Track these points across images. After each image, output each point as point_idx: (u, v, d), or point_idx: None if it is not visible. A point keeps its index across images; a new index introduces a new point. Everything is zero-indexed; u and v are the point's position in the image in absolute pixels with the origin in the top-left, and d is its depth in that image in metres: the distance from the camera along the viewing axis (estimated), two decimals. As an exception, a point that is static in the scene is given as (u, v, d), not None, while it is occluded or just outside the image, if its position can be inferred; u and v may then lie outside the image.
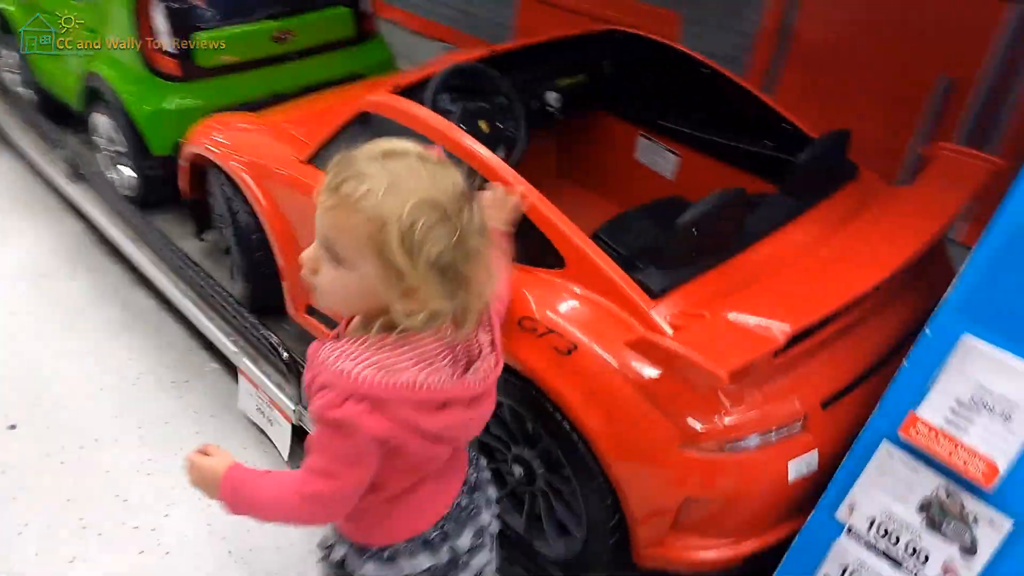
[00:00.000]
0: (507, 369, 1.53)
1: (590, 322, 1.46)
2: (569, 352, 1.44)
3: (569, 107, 2.26)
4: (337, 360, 0.98)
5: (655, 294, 1.45)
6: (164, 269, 2.58)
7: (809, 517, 1.41)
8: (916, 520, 1.29)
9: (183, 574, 1.91)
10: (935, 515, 1.28)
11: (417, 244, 0.94)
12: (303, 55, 2.91)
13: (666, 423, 1.38)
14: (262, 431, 2.26)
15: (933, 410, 1.29)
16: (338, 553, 1.21)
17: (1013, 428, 1.22)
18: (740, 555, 1.48)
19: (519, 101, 2.02)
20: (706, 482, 1.40)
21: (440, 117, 1.71)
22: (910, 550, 1.30)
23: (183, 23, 2.61)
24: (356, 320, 1.09)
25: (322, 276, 1.00)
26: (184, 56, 2.63)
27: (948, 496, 1.27)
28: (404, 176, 0.96)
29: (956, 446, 1.25)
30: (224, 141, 2.24)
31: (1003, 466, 1.21)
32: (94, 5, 2.76)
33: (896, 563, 1.30)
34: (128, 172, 2.89)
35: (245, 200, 2.18)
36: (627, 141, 2.40)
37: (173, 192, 2.79)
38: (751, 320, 1.32)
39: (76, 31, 2.86)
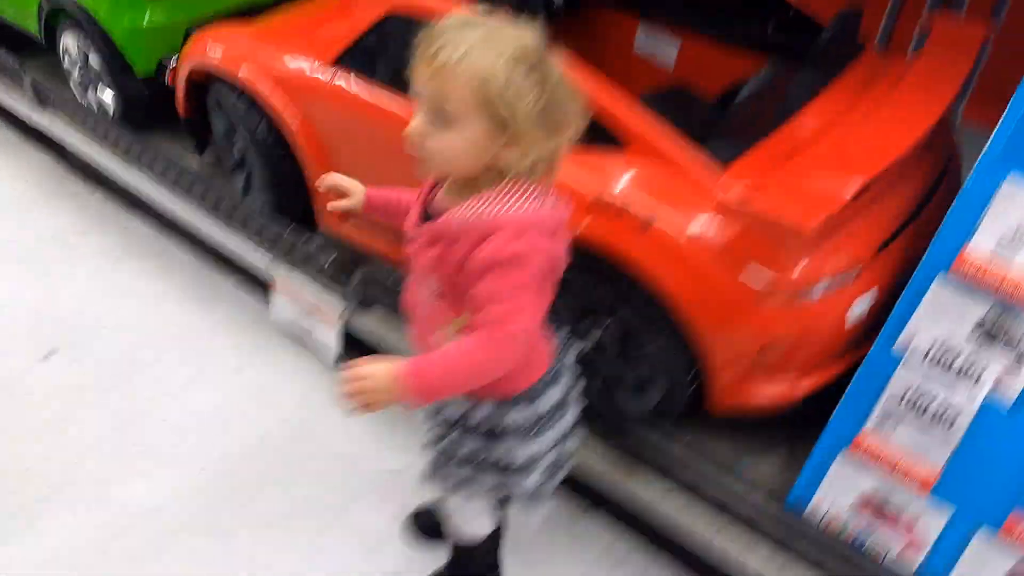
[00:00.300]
0: (578, 248, 1.64)
1: (663, 196, 1.57)
2: (647, 227, 1.56)
3: (570, 2, 2.31)
4: (494, 206, 1.10)
5: (721, 164, 1.57)
6: (168, 190, 2.52)
7: (868, 352, 1.59)
8: (968, 345, 1.49)
9: (249, 483, 1.98)
10: (985, 339, 1.48)
11: (516, 93, 1.05)
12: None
13: (743, 280, 1.52)
14: (299, 340, 2.31)
15: (982, 246, 1.46)
16: (479, 415, 1.31)
17: (1056, 254, 1.41)
18: (802, 393, 1.67)
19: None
20: (780, 329, 1.56)
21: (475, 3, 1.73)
22: (964, 372, 1.49)
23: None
24: (451, 186, 1.18)
25: (432, 142, 1.09)
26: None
27: (997, 320, 1.47)
28: (491, 36, 1.06)
29: (1004, 276, 1.44)
30: (232, 53, 2.19)
31: (1048, 284, 1.41)
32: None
33: (951, 385, 1.50)
34: (105, 95, 2.77)
35: (262, 112, 2.15)
36: (627, 34, 2.46)
37: (153, 112, 2.73)
38: (818, 179, 1.46)
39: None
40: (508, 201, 1.11)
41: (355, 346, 2.19)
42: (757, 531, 1.67)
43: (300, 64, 2.08)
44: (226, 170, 2.49)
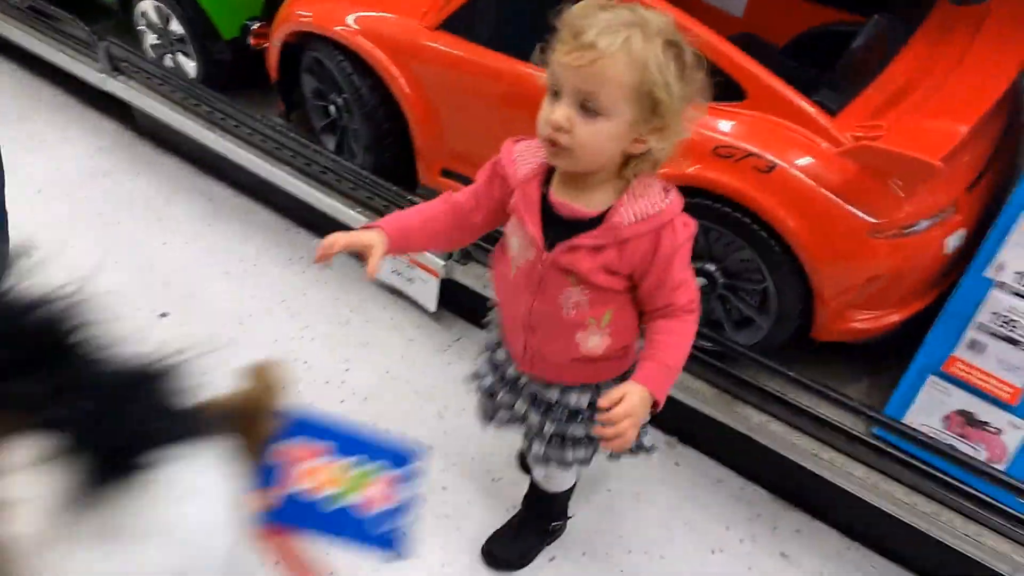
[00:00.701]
0: (698, 192, 1.79)
1: (782, 142, 1.72)
2: (769, 170, 1.71)
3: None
4: (654, 200, 1.17)
5: (833, 112, 1.72)
6: (255, 151, 2.63)
7: (961, 279, 1.76)
8: (1056, 268, 1.67)
9: (384, 414, 2.14)
10: (1073, 261, 1.66)
11: (672, 78, 1.07)
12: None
13: (856, 218, 1.69)
14: (398, 292, 2.45)
15: (1069, 179, 1.64)
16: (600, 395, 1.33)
17: None
18: (902, 319, 1.85)
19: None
20: (887, 261, 1.73)
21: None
22: (1052, 292, 1.68)
23: None
24: (566, 181, 1.20)
25: (578, 133, 1.09)
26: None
27: (1083, 245, 1.65)
28: (639, 21, 1.07)
29: (1091, 205, 1.61)
30: (327, 11, 2.28)
31: None
32: None
33: (1040, 305, 1.69)
34: (185, 60, 2.85)
35: (366, 74, 2.26)
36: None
37: (235, 76, 2.82)
38: (930, 122, 1.62)
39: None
40: (657, 192, 1.17)
41: (452, 296, 2.34)
42: (850, 454, 1.86)
43: (406, 25, 2.18)
44: (316, 131, 2.59)
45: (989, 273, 1.73)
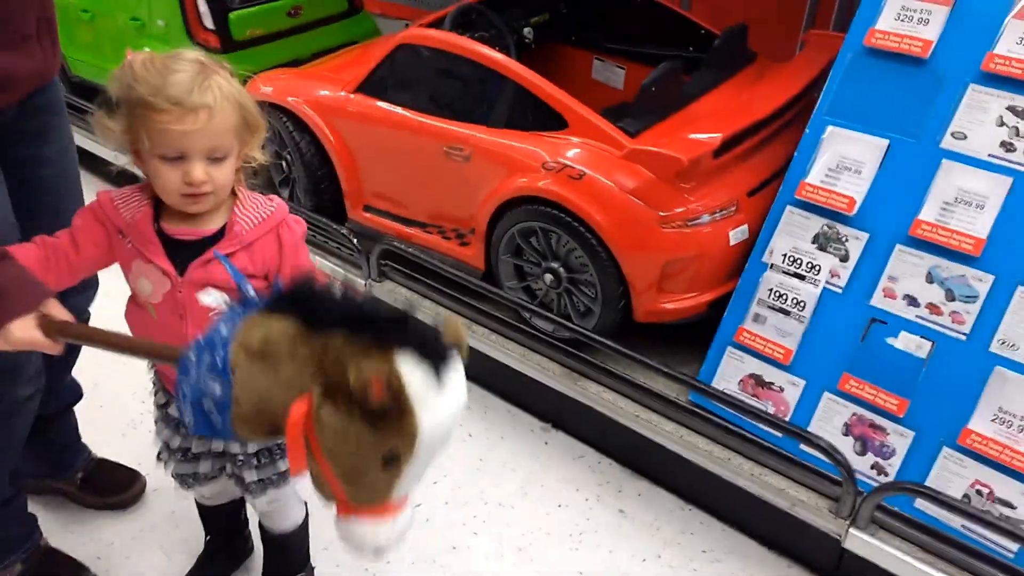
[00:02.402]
0: (539, 200, 2.24)
1: (590, 157, 2.18)
2: (580, 177, 2.16)
3: (539, 40, 2.97)
4: (271, 205, 1.37)
5: (632, 135, 2.18)
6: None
7: (746, 266, 2.15)
8: (811, 248, 2.05)
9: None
10: (822, 242, 2.04)
11: (246, 95, 1.29)
12: (310, 27, 3.55)
13: (648, 213, 2.12)
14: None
15: (815, 176, 2.05)
16: None
17: (862, 176, 1.98)
18: (704, 302, 2.23)
19: (508, 32, 2.72)
20: (678, 249, 2.14)
21: (467, 38, 2.40)
22: (809, 267, 2.05)
23: (220, 5, 3.23)
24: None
25: (215, 179, 1.24)
26: (222, 31, 3.24)
27: (829, 228, 2.03)
28: (200, 63, 1.23)
29: (831, 194, 2.01)
30: (282, 88, 2.87)
31: (859, 200, 1.97)
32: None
33: (801, 277, 2.06)
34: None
35: (307, 130, 2.82)
36: (585, 64, 3.12)
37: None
38: (696, 135, 2.06)
39: (119, 22, 3.44)
40: (262, 201, 1.37)
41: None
42: (671, 416, 2.18)
43: (333, 92, 2.75)
44: (276, 184, 3.14)
45: (765, 258, 2.12)
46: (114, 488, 2.14)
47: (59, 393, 1.92)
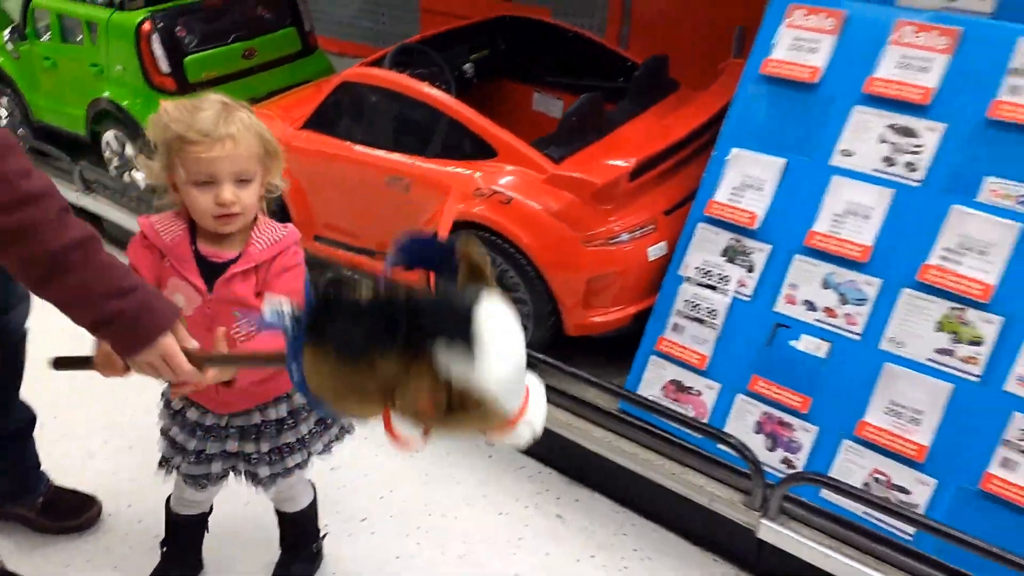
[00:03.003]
0: (473, 224, 2.38)
1: (517, 183, 2.33)
2: (508, 202, 2.31)
3: (480, 75, 3.15)
4: (284, 231, 1.56)
5: (556, 161, 2.34)
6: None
7: (664, 280, 2.30)
8: (721, 260, 2.20)
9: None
10: (730, 255, 2.19)
11: (265, 128, 1.53)
12: (265, 67, 3.71)
13: (571, 233, 2.27)
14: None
15: (722, 194, 2.21)
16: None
17: (764, 193, 2.15)
18: (629, 315, 2.37)
19: (447, 69, 2.88)
20: (599, 265, 2.29)
21: (406, 75, 2.56)
22: (719, 278, 2.20)
23: (175, 50, 3.38)
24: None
25: (243, 200, 1.44)
26: (178, 74, 3.39)
27: (736, 242, 2.19)
28: (223, 102, 1.45)
29: (735, 211, 2.17)
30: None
31: (760, 215, 2.13)
32: (97, 47, 3.50)
33: (713, 288, 2.21)
34: (139, 175, 3.62)
35: (255, 166, 2.96)
36: (526, 97, 3.30)
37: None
38: (613, 160, 2.22)
39: (79, 69, 3.58)
40: (277, 227, 1.56)
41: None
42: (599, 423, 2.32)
43: (282, 128, 2.90)
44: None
45: (680, 271, 2.27)
46: (71, 513, 2.22)
47: (12, 414, 2.02)
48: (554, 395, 2.36)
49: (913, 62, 1.96)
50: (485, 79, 3.24)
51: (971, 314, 1.85)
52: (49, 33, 3.73)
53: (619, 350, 2.52)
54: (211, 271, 1.52)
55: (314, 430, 1.75)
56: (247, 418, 1.67)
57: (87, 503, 2.25)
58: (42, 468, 2.22)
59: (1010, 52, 1.85)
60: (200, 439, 1.68)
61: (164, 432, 1.74)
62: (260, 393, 1.64)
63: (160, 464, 1.77)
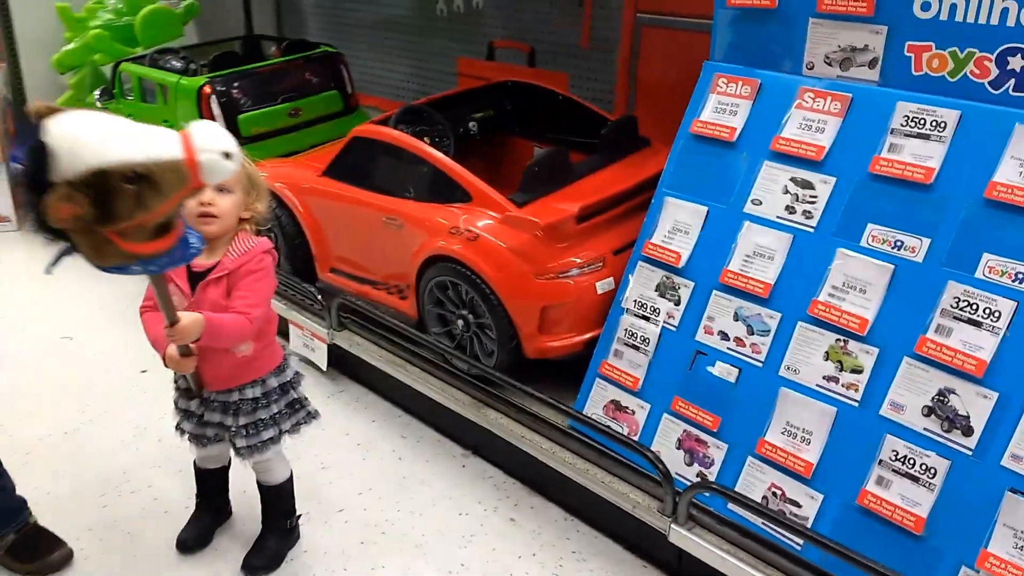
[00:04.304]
0: (449, 259, 2.75)
1: (484, 223, 2.70)
2: (475, 239, 2.67)
3: (485, 131, 3.55)
4: (253, 242, 2.01)
5: (519, 205, 2.69)
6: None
7: (610, 312, 2.60)
8: (654, 295, 2.49)
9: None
10: (662, 290, 2.47)
11: (253, 167, 2.03)
12: (309, 124, 4.23)
13: (527, 267, 2.61)
14: (306, 358, 3.43)
15: (657, 237, 2.50)
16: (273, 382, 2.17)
17: (690, 236, 2.43)
18: (581, 342, 2.67)
19: (448, 127, 3.29)
20: (552, 296, 2.61)
21: (405, 133, 2.98)
22: (652, 310, 2.48)
23: (230, 109, 3.94)
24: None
25: (219, 204, 1.89)
26: (232, 130, 3.93)
27: (667, 279, 2.47)
28: None
29: (666, 251, 2.46)
30: (271, 175, 3.50)
31: (685, 255, 2.42)
32: (168, 106, 4.09)
33: (647, 319, 2.49)
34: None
35: (286, 207, 3.43)
36: (527, 151, 3.67)
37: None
38: (563, 205, 2.56)
39: (155, 124, 4.17)
40: (249, 239, 2.01)
41: (338, 358, 3.30)
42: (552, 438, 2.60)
43: (308, 176, 3.36)
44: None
45: (623, 304, 2.57)
46: (39, 554, 2.36)
47: None
48: (515, 412, 2.68)
49: (812, 123, 2.23)
50: (493, 134, 3.64)
51: (852, 345, 2.08)
52: (132, 94, 4.36)
53: (575, 373, 2.82)
54: (195, 278, 1.98)
55: (284, 411, 2.19)
56: (227, 395, 2.13)
57: (57, 546, 2.39)
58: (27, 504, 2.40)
59: (890, 115, 2.11)
60: (198, 405, 2.16)
61: (175, 404, 2.25)
62: (238, 376, 2.11)
63: (176, 428, 2.29)
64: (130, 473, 2.83)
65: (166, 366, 2.00)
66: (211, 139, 1.46)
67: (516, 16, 4.46)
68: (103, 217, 1.39)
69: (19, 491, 2.40)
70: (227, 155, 1.46)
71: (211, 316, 1.88)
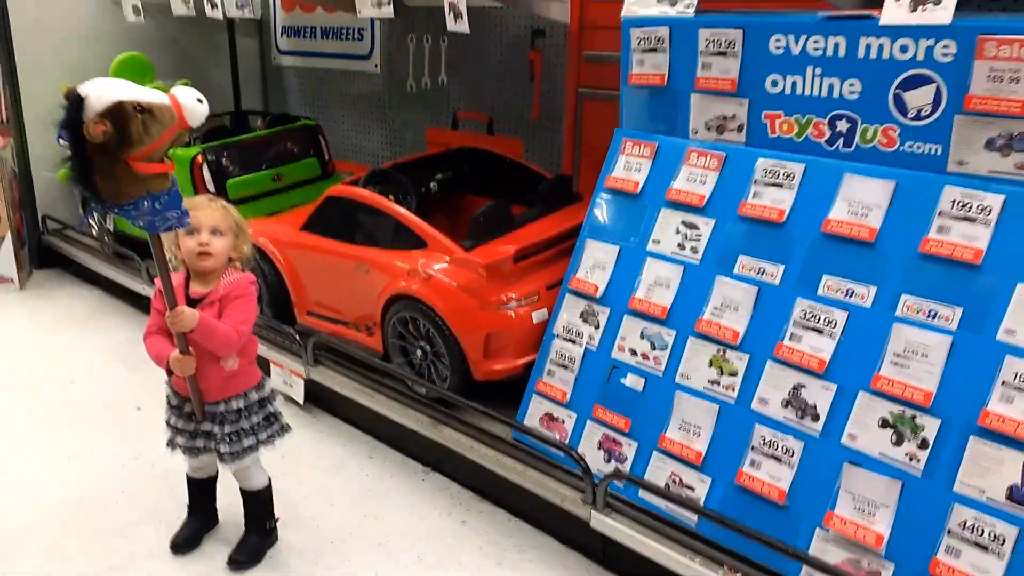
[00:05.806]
0: (408, 297, 3.21)
1: (437, 265, 3.18)
2: (429, 278, 3.15)
3: (445, 190, 4.06)
4: (239, 275, 2.48)
5: (467, 249, 3.18)
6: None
7: (544, 338, 3.06)
8: (579, 321, 2.95)
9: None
10: (585, 316, 2.94)
11: (240, 217, 2.54)
12: (290, 188, 4.75)
13: (473, 300, 3.08)
14: (286, 394, 3.85)
15: (582, 272, 2.98)
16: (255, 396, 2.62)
17: (606, 271, 2.91)
18: (521, 365, 3.12)
19: (410, 185, 3.80)
20: (493, 326, 3.08)
21: (370, 190, 3.49)
22: (577, 334, 2.94)
23: (220, 175, 4.45)
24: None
25: (214, 245, 2.36)
26: (221, 193, 4.43)
27: (589, 307, 2.94)
28: (213, 199, 2.54)
29: (587, 283, 2.93)
30: (256, 231, 3.96)
31: (602, 287, 2.89)
32: (164, 172, 4.60)
33: (573, 342, 2.95)
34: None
35: (269, 260, 3.90)
36: (479, 206, 4.15)
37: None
38: (502, 248, 3.05)
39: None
40: (237, 272, 2.47)
41: (314, 394, 3.73)
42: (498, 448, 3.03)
43: (288, 231, 3.85)
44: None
45: (554, 330, 3.03)
46: None
47: None
48: (465, 427, 3.11)
49: (696, 177, 2.75)
50: (452, 192, 4.15)
51: (729, 353, 2.54)
52: (132, 163, 4.87)
53: (516, 392, 3.26)
54: (194, 303, 2.41)
55: (261, 423, 2.60)
56: (214, 407, 2.53)
57: None
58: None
59: (753, 168, 2.62)
60: (187, 421, 2.56)
61: (167, 422, 2.64)
62: (225, 388, 2.52)
63: (167, 444, 2.66)
64: (128, 491, 3.23)
65: (169, 372, 2.45)
66: (189, 93, 2.04)
67: (477, 90, 5.04)
68: (121, 140, 1.93)
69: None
70: (200, 100, 2.04)
71: (205, 316, 2.32)
